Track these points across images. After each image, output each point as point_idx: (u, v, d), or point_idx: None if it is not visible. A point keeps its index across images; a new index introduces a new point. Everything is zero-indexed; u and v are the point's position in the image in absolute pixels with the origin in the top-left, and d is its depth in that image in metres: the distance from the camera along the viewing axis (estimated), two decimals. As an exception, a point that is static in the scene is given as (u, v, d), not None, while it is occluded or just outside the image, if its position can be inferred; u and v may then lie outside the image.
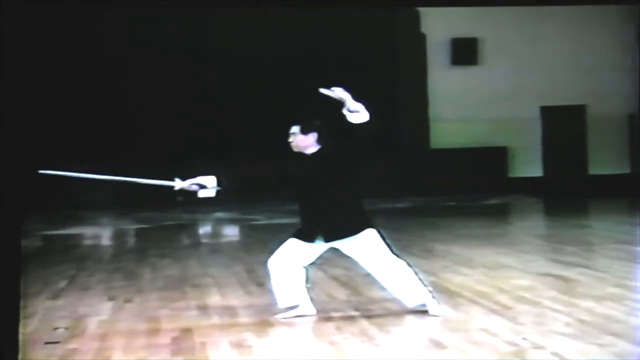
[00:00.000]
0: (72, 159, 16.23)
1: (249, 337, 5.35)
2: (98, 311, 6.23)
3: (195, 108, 16.86)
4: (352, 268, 8.04)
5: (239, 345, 5.19)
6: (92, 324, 5.80)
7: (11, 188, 3.84)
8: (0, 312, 3.80)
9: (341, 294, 6.76)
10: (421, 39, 17.98)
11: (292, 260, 5.72)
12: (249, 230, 12.47)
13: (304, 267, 5.81)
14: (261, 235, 11.25)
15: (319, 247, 5.74)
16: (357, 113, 5.63)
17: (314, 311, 5.82)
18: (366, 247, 5.71)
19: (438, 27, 17.81)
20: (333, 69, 17.30)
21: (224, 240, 12.25)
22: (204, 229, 13.33)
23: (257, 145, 15.77)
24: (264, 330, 5.52)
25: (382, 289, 6.86)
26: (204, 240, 11.83)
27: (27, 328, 5.73)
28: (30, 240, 11.91)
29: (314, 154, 5.69)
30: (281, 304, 5.77)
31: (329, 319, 5.78)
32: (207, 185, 5.66)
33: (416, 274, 5.87)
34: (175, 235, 12.09)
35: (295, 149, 5.71)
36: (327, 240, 5.68)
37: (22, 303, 6.61)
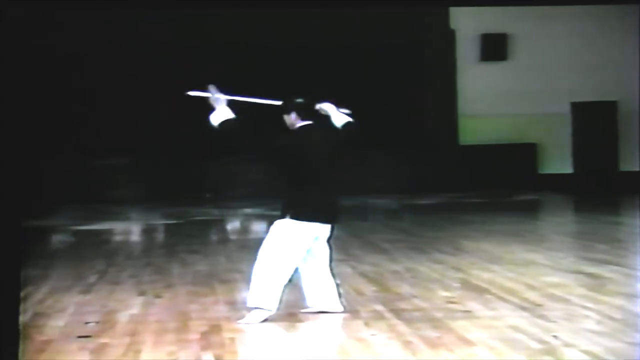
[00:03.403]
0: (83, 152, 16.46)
1: (278, 333, 5.37)
2: (128, 306, 6.29)
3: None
4: (381, 264, 8.06)
5: (267, 341, 5.21)
6: (123, 319, 5.85)
7: (10, 186, 3.85)
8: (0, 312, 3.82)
9: (369, 290, 6.75)
10: (450, 35, 17.89)
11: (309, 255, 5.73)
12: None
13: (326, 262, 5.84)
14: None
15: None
16: (341, 118, 6.05)
17: (341, 308, 5.81)
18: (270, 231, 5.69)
19: (467, 22, 17.71)
20: (362, 65, 17.32)
21: (252, 236, 12.29)
22: (233, 225, 13.38)
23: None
24: (293, 326, 5.53)
25: (411, 285, 6.87)
26: (232, 236, 11.88)
27: (59, 322, 5.81)
28: (61, 235, 12.05)
29: (306, 127, 5.72)
30: (309, 302, 5.80)
31: (356, 315, 5.79)
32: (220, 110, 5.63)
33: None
34: (204, 230, 12.16)
35: (289, 127, 5.81)
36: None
37: (53, 297, 6.71)
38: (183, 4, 15.22)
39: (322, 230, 5.67)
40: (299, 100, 5.79)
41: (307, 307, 5.81)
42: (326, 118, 6.01)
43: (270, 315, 5.59)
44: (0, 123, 3.79)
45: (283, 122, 5.82)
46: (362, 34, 17.13)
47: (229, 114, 5.61)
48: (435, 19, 17.66)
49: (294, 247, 5.55)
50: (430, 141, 17.58)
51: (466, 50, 17.96)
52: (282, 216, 5.60)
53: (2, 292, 3.82)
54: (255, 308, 5.56)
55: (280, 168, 5.65)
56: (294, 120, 5.76)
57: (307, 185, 5.60)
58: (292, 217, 5.55)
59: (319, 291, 5.77)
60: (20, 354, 4.01)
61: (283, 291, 5.61)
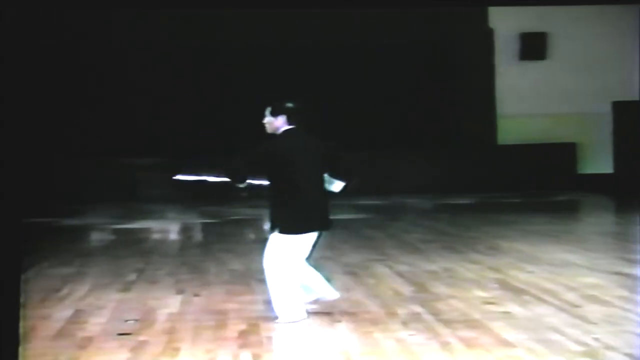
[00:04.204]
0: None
1: (315, 332, 5.38)
2: (166, 304, 6.34)
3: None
4: (417, 264, 8.03)
5: (305, 340, 5.22)
6: (161, 317, 5.90)
7: (10, 186, 3.86)
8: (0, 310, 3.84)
9: (406, 290, 6.73)
10: (489, 34, 17.77)
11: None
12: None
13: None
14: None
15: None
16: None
17: (337, 295, 5.81)
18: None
19: (506, 21, 17.56)
20: (401, 64, 17.28)
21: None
22: (268, 224, 13.42)
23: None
24: (330, 325, 5.54)
25: (448, 285, 6.84)
26: (268, 236, 11.91)
27: (100, 319, 5.88)
28: (100, 234, 12.18)
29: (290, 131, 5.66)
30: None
31: (394, 315, 5.78)
32: None
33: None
34: (239, 229, 12.21)
35: (269, 131, 5.75)
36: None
37: (93, 294, 6.79)
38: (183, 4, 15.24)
39: (314, 235, 5.66)
40: (290, 104, 5.70)
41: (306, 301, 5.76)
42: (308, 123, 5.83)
43: (307, 316, 5.62)
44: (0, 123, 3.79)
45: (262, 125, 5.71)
46: (400, 33, 17.07)
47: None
48: (473, 18, 17.54)
49: (293, 258, 5.57)
50: (468, 141, 17.47)
51: (505, 49, 17.81)
52: (274, 227, 5.57)
53: (2, 292, 3.84)
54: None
55: (268, 174, 5.59)
56: (280, 124, 5.67)
57: (297, 192, 5.54)
58: (285, 232, 5.53)
59: (307, 282, 5.73)
60: (20, 354, 4.03)
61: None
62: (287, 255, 5.56)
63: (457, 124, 17.58)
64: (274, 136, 5.69)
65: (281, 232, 5.55)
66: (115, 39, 16.69)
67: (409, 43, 17.16)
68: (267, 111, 5.74)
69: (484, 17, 17.71)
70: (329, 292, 5.82)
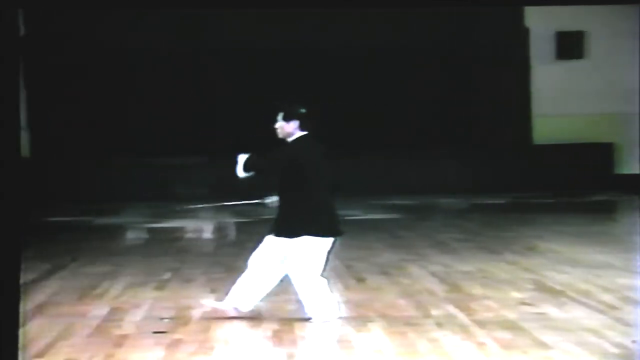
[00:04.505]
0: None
1: (349, 332, 5.37)
2: (201, 303, 6.36)
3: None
4: (451, 264, 7.99)
5: (339, 340, 5.22)
6: (196, 315, 5.93)
7: (9, 186, 3.87)
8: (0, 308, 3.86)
9: (440, 290, 6.70)
10: (524, 33, 17.63)
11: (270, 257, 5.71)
12: (345, 226, 12.46)
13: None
14: (358, 230, 11.24)
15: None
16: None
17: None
18: (296, 252, 5.61)
19: (542, 20, 17.39)
20: (437, 63, 17.21)
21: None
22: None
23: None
24: (364, 325, 5.52)
25: (483, 286, 6.79)
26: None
27: (135, 317, 5.93)
28: (135, 233, 12.29)
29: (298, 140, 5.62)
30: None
31: (428, 315, 5.75)
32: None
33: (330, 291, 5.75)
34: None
35: (280, 136, 5.69)
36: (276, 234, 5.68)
37: (129, 293, 6.84)
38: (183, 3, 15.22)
39: (331, 241, 5.68)
40: (303, 110, 5.62)
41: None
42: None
43: (340, 315, 5.61)
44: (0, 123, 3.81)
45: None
46: (435, 33, 17.00)
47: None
48: (509, 17, 17.41)
49: (317, 262, 5.59)
50: (503, 140, 17.34)
51: (541, 48, 17.65)
52: (296, 232, 5.54)
53: (2, 292, 3.86)
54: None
55: (286, 179, 5.56)
56: (292, 130, 5.62)
57: (315, 198, 5.55)
58: (311, 234, 5.54)
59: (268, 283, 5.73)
60: (20, 354, 4.05)
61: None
62: (313, 257, 5.57)
63: (493, 124, 17.45)
64: (286, 142, 5.64)
65: (310, 234, 5.54)
66: (155, 40, 16.76)
67: (446, 42, 17.09)
68: (279, 116, 5.66)
69: (520, 16, 17.56)
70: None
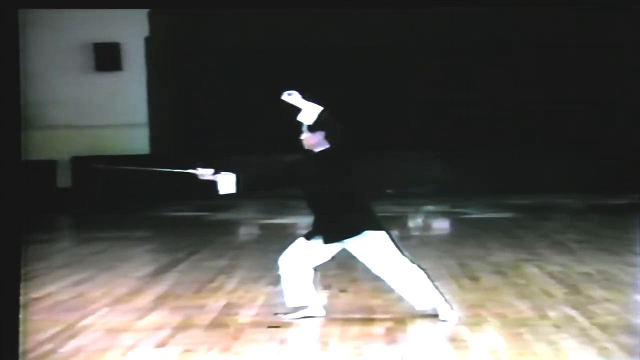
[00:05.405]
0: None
1: (463, 331, 5.30)
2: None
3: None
4: (569, 265, 7.76)
5: (453, 339, 5.16)
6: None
7: (9, 186, 3.90)
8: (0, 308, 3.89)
9: (558, 291, 6.52)
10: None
11: (300, 259, 5.64)
12: (460, 224, 12.33)
13: (313, 268, 5.70)
14: (472, 229, 11.10)
15: (327, 248, 5.62)
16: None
17: (323, 312, 5.72)
18: (371, 248, 5.54)
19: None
20: (558, 60, 16.86)
21: (434, 233, 12.21)
22: (414, 222, 13.34)
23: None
24: (478, 325, 5.44)
25: (604, 288, 6.56)
26: (414, 233, 11.84)
27: (250, 311, 6.04)
28: (250, 228, 12.54)
29: (320, 152, 5.53)
30: (289, 303, 5.72)
31: (545, 317, 5.60)
32: (222, 184, 5.62)
33: (429, 277, 5.58)
34: (385, 226, 12.19)
35: (306, 147, 5.59)
36: (325, 241, 5.58)
37: (244, 287, 6.97)
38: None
39: (322, 247, 5.66)
40: (325, 120, 5.44)
41: (288, 311, 5.74)
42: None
43: (455, 314, 5.56)
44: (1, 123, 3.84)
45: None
46: (557, 34, 16.67)
47: (230, 183, 5.61)
48: (634, 17, 16.78)
49: (392, 253, 5.58)
50: (623, 140, 16.74)
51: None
52: (358, 229, 5.52)
53: (2, 292, 3.90)
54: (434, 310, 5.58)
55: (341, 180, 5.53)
56: (317, 142, 5.50)
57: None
58: (378, 228, 5.59)
59: (298, 291, 5.69)
60: (20, 354, 4.09)
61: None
62: (386, 249, 5.56)
63: (612, 123, 16.93)
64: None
65: (376, 229, 5.56)
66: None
67: (566, 42, 16.74)
68: (304, 127, 5.55)
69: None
70: (318, 310, 5.74)
